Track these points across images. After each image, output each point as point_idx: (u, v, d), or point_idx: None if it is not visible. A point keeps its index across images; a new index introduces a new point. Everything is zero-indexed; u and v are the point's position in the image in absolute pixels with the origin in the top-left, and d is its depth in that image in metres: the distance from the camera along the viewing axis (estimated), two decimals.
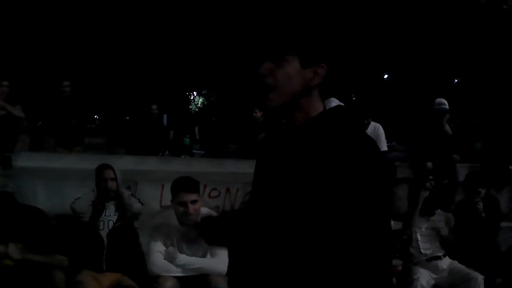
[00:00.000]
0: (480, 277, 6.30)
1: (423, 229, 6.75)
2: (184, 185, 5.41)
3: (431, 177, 7.39)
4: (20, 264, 5.17)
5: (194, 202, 5.36)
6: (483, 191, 7.29)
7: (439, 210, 6.99)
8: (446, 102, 9.20)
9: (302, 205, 2.06)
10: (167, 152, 13.57)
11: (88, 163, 6.93)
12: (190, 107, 43.21)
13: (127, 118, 16.41)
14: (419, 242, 6.72)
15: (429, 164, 8.73)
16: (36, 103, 12.75)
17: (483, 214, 7.18)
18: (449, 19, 22.42)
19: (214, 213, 5.72)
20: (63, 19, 22.35)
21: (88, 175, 6.20)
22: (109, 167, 6.10)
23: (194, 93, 43.33)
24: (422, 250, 6.70)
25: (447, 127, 9.27)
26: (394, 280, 6.32)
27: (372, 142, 2.12)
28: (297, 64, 2.22)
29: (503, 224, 7.88)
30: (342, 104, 2.23)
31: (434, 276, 6.56)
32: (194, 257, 5.45)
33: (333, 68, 2.26)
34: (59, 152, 9.74)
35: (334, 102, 5.39)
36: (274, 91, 2.22)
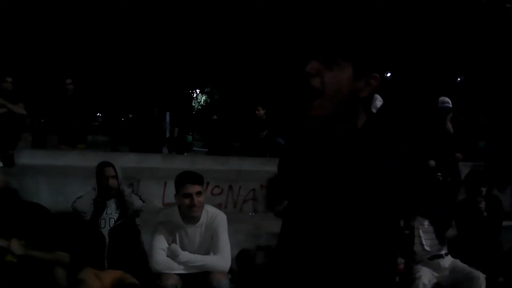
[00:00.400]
0: (482, 276, 6.27)
1: (425, 226, 6.71)
2: (189, 177, 5.43)
3: (439, 173, 7.39)
4: (22, 261, 5.18)
5: (199, 194, 5.38)
6: (484, 190, 7.30)
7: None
8: (449, 101, 9.18)
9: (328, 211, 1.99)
10: (166, 150, 13.60)
11: (91, 160, 6.93)
12: (193, 105, 43.28)
13: (130, 116, 16.39)
14: (422, 239, 6.68)
15: (432, 162, 8.71)
16: (39, 101, 12.77)
17: (485, 214, 7.19)
18: (451, 18, 22.41)
19: (220, 213, 5.75)
20: (65, 17, 22.38)
21: (91, 172, 6.20)
22: (110, 164, 6.10)
23: (197, 90, 43.29)
24: (425, 247, 6.67)
25: (449, 126, 9.25)
26: (396, 278, 6.30)
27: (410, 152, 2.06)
28: (349, 72, 1.97)
29: (506, 223, 7.87)
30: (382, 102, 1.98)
31: (436, 274, 6.54)
32: (196, 255, 5.46)
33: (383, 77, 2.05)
34: (62, 149, 9.75)
35: (379, 100, 5.24)
36: (320, 97, 1.96)
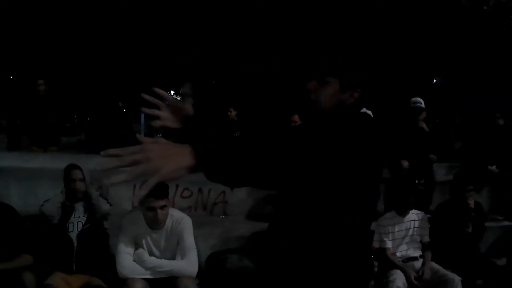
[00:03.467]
0: (457, 279, 6.26)
1: (395, 233, 6.69)
2: (154, 191, 5.33)
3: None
4: None
5: (163, 207, 5.31)
6: (472, 190, 7.36)
7: (413, 210, 6.93)
8: (422, 101, 9.22)
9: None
10: None
11: (62, 162, 6.86)
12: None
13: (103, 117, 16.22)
14: (390, 249, 6.65)
15: (405, 163, 8.69)
16: (14, 101, 12.63)
17: (472, 214, 7.22)
18: (429, 19, 22.49)
19: (185, 216, 5.66)
20: (41, 17, 22.21)
21: (62, 175, 6.13)
22: (77, 167, 6.05)
23: (171, 92, 43.19)
24: (397, 252, 6.66)
25: (424, 125, 9.27)
26: (371, 282, 6.25)
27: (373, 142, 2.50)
28: (337, 87, 2.60)
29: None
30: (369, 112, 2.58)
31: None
32: (163, 260, 5.38)
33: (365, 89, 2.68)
34: (34, 151, 9.66)
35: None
36: (315, 105, 2.62)
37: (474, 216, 7.31)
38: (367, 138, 2.47)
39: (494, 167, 9.47)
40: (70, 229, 5.78)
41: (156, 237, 5.42)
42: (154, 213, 5.25)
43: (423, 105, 9.18)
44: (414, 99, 9.29)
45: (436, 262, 6.70)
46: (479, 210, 7.53)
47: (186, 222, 5.53)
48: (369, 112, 2.74)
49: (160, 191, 5.31)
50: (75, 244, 5.73)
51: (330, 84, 2.60)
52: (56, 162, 7.59)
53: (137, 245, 5.39)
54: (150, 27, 23.30)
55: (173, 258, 5.47)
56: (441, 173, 9.44)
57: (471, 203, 7.27)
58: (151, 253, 5.39)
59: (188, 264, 5.38)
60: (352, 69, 2.65)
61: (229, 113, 11.64)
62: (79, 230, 5.79)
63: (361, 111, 2.69)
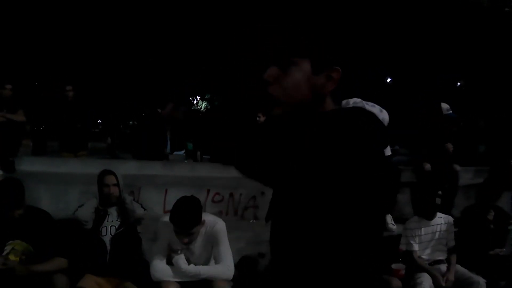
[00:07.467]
0: (482, 281, 6.32)
1: (422, 236, 6.75)
2: (183, 223, 5.31)
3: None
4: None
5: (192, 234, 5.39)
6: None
7: (440, 214, 6.98)
8: (450, 108, 9.16)
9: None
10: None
11: (91, 167, 6.96)
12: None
13: (131, 122, 16.29)
14: (416, 252, 6.72)
15: (427, 166, 8.68)
16: (39, 107, 12.75)
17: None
18: (451, 23, 22.42)
19: (219, 220, 5.71)
20: (67, 23, 22.36)
21: (92, 179, 6.20)
22: (111, 172, 6.10)
23: (197, 97, 43.20)
24: (423, 255, 6.72)
25: (450, 145, 9.19)
26: (399, 283, 6.32)
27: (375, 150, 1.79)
28: (307, 69, 1.89)
29: None
30: (375, 109, 1.69)
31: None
32: (200, 267, 5.41)
33: (347, 70, 1.93)
34: (64, 156, 9.74)
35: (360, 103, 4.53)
36: (279, 101, 1.91)
37: (496, 220, 7.38)
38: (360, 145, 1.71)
39: None
40: (104, 233, 5.86)
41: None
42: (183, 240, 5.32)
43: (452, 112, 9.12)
44: (444, 105, 9.10)
45: (461, 265, 6.77)
46: (501, 213, 7.59)
47: (219, 226, 5.55)
48: (376, 109, 1.93)
49: (190, 222, 5.33)
50: (108, 248, 5.79)
51: (296, 67, 1.89)
52: (86, 167, 7.69)
53: (171, 250, 5.46)
54: (178, 35, 23.36)
55: (207, 261, 5.53)
56: (466, 176, 9.43)
57: (491, 215, 7.39)
58: (186, 258, 5.44)
59: (224, 268, 5.42)
60: (325, 38, 1.96)
61: (258, 118, 11.67)
62: (112, 234, 5.86)
63: (369, 105, 1.93)
